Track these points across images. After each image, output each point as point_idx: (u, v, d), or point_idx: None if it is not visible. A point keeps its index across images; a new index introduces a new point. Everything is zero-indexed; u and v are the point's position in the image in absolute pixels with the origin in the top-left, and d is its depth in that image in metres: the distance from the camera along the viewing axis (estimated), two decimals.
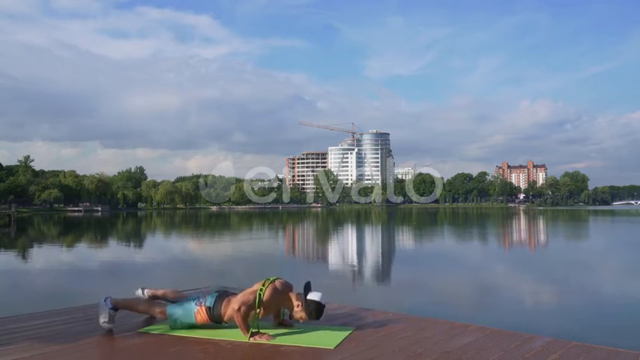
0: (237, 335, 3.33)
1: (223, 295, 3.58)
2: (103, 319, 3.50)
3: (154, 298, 3.84)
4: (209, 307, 3.52)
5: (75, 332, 3.47)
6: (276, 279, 3.54)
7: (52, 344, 3.17)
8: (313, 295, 3.48)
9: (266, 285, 3.44)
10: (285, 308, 3.59)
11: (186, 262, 16.49)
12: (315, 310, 3.46)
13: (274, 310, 3.57)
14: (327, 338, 3.29)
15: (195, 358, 2.93)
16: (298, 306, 3.47)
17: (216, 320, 3.54)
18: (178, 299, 3.75)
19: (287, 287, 3.54)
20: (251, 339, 3.26)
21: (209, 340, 3.26)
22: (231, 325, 3.61)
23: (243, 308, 3.34)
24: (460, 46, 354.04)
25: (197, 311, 3.53)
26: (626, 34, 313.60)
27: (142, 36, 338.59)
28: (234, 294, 3.56)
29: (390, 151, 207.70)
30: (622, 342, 4.89)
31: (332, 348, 3.09)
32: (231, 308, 3.42)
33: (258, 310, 3.38)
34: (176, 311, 3.57)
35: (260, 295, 3.38)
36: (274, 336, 3.33)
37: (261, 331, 3.39)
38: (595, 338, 5.35)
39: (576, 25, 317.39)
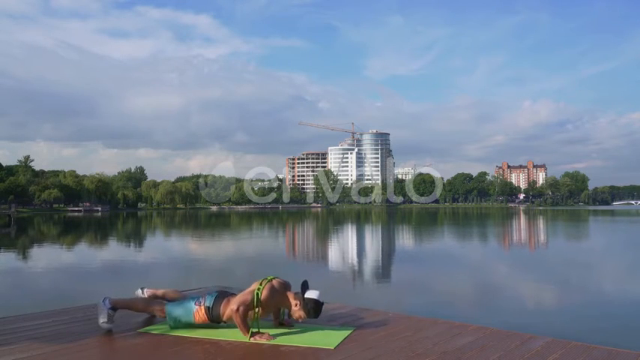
0: (237, 335, 3.33)
1: (223, 295, 3.59)
2: (102, 319, 3.51)
3: (154, 298, 3.85)
4: (208, 307, 3.52)
5: (75, 332, 3.47)
6: (274, 278, 3.54)
7: (52, 344, 3.17)
8: (311, 294, 3.49)
9: (263, 284, 3.44)
10: (284, 308, 3.60)
11: (186, 262, 16.49)
12: (313, 309, 3.46)
13: (273, 309, 3.57)
14: (327, 338, 3.29)
15: (195, 358, 2.93)
16: (296, 305, 3.47)
17: (214, 320, 3.54)
18: (178, 299, 3.75)
19: (284, 286, 3.54)
20: (251, 339, 3.26)
21: (209, 340, 3.26)
22: (230, 325, 3.61)
23: (241, 308, 3.34)
24: (460, 46, 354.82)
25: (196, 311, 3.53)
26: (626, 34, 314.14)
27: (142, 36, 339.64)
28: (234, 294, 3.57)
29: (390, 151, 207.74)
30: (622, 342, 4.89)
31: (332, 348, 3.09)
32: (229, 309, 3.42)
33: (257, 310, 3.38)
34: (175, 310, 3.57)
35: (258, 294, 3.38)
36: (274, 336, 3.33)
37: (261, 331, 3.40)
38: (595, 338, 5.35)
39: (576, 25, 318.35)
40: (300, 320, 3.53)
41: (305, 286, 3.53)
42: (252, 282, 3.56)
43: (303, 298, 3.47)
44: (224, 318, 3.51)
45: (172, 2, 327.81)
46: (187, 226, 43.86)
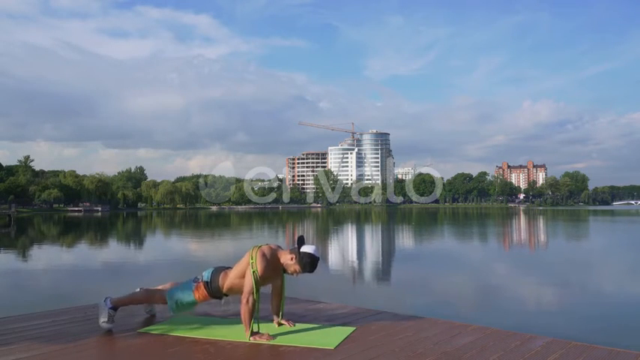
0: (237, 335, 3.34)
1: (219, 269, 3.61)
2: (102, 319, 3.52)
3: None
4: (207, 282, 3.54)
5: (74, 332, 3.47)
6: (262, 245, 3.53)
7: (52, 344, 3.17)
8: (307, 248, 3.46)
9: (254, 256, 3.41)
10: (282, 269, 3.55)
11: (187, 262, 16.48)
12: (309, 263, 3.43)
13: (274, 276, 3.54)
14: (327, 338, 3.29)
15: (195, 358, 2.93)
16: (292, 259, 3.45)
17: (215, 294, 3.55)
18: None
19: (275, 249, 3.53)
20: (251, 339, 3.26)
21: (209, 340, 3.26)
22: (230, 324, 3.61)
23: (250, 299, 3.33)
24: (460, 46, 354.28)
25: (195, 287, 3.55)
26: (626, 34, 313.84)
27: (142, 36, 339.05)
28: (230, 268, 3.59)
29: (390, 151, 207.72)
30: (622, 342, 4.89)
31: (332, 348, 3.09)
32: (227, 284, 3.47)
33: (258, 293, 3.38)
34: (175, 293, 3.60)
35: (254, 273, 3.36)
36: (274, 336, 3.33)
37: (261, 331, 3.40)
38: (595, 338, 5.35)
39: (576, 25, 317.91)
40: (295, 275, 3.48)
41: (301, 241, 3.50)
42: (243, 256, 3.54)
43: (299, 252, 3.45)
44: (224, 290, 3.52)
45: (172, 2, 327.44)
46: (187, 226, 43.86)
